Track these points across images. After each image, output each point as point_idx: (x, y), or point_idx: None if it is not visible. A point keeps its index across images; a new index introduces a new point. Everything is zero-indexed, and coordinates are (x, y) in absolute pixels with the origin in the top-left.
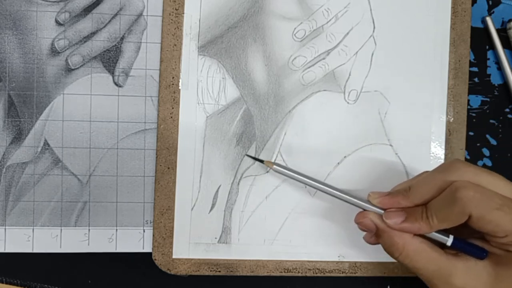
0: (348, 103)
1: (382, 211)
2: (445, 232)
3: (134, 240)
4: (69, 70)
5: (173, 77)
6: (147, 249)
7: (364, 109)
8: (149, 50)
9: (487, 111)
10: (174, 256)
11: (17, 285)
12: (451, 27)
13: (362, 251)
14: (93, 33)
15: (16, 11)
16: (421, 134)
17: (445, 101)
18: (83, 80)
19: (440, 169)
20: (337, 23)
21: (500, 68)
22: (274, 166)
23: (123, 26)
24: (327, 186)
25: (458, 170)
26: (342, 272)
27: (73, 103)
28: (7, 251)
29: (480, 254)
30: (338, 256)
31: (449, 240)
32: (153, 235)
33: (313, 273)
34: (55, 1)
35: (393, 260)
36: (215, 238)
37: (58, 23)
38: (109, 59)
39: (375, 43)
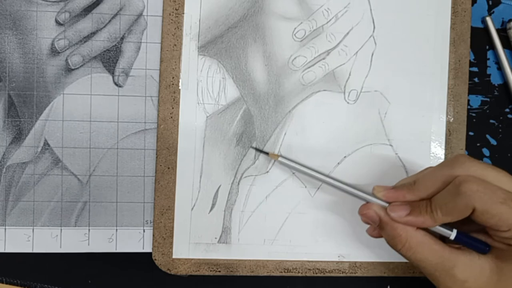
0: (348, 103)
1: (387, 204)
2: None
3: (134, 240)
4: (69, 70)
5: (173, 77)
6: (147, 249)
7: (364, 109)
8: (149, 50)
9: (487, 111)
10: (174, 256)
11: (17, 285)
12: (451, 27)
13: (362, 251)
14: (93, 33)
15: (16, 11)
16: (421, 134)
17: (445, 101)
18: (83, 80)
19: (444, 163)
20: (337, 23)
21: (500, 68)
22: (280, 159)
23: (123, 26)
24: (332, 178)
25: (463, 164)
26: (342, 272)
27: (73, 103)
28: (7, 251)
29: (483, 248)
30: (338, 256)
31: (453, 234)
32: (153, 235)
33: (313, 273)
34: (55, 1)
35: (393, 260)
36: (215, 238)
37: (58, 23)
38: (109, 59)
39: (375, 43)
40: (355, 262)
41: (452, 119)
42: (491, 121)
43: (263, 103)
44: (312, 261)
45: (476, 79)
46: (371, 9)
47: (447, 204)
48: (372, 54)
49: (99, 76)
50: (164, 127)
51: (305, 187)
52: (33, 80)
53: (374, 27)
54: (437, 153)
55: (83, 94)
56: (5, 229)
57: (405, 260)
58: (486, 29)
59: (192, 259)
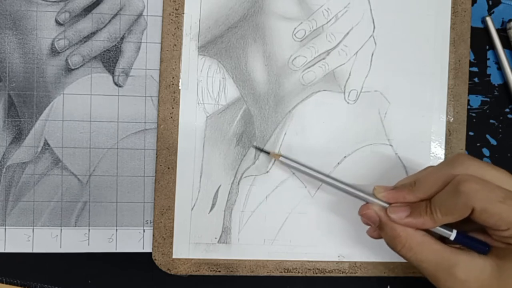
0: (348, 103)
1: (387, 205)
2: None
3: (134, 240)
4: (69, 70)
5: (173, 77)
6: (147, 249)
7: (364, 109)
8: (149, 50)
9: (487, 111)
10: (174, 256)
11: (17, 285)
12: (451, 27)
13: (362, 251)
14: (93, 33)
15: (16, 11)
16: (421, 134)
17: (445, 101)
18: (83, 80)
19: (444, 163)
20: (337, 23)
21: (500, 68)
22: (281, 158)
23: (123, 26)
24: (332, 178)
25: (463, 164)
26: (342, 272)
27: (73, 103)
28: (7, 251)
29: (483, 248)
30: (338, 256)
31: (453, 234)
32: (153, 235)
33: (313, 273)
34: (55, 1)
35: (393, 260)
36: (215, 238)
37: (58, 23)
38: (109, 59)
39: (375, 43)
40: (355, 262)
41: (452, 119)
42: (491, 121)
43: (263, 103)
44: (312, 261)
45: (476, 79)
46: (371, 9)
47: (446, 204)
48: (372, 54)
49: (99, 76)
50: (164, 127)
51: (305, 187)
52: (33, 80)
53: (374, 27)
54: (437, 153)
55: (83, 94)
56: (5, 229)
57: (405, 260)
58: (486, 29)
59: (192, 259)
